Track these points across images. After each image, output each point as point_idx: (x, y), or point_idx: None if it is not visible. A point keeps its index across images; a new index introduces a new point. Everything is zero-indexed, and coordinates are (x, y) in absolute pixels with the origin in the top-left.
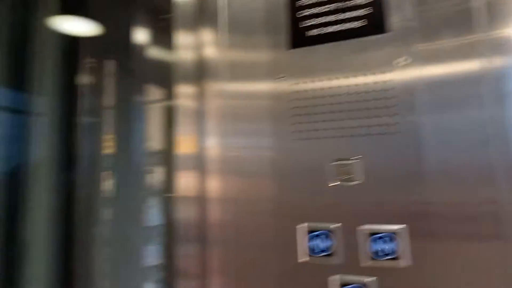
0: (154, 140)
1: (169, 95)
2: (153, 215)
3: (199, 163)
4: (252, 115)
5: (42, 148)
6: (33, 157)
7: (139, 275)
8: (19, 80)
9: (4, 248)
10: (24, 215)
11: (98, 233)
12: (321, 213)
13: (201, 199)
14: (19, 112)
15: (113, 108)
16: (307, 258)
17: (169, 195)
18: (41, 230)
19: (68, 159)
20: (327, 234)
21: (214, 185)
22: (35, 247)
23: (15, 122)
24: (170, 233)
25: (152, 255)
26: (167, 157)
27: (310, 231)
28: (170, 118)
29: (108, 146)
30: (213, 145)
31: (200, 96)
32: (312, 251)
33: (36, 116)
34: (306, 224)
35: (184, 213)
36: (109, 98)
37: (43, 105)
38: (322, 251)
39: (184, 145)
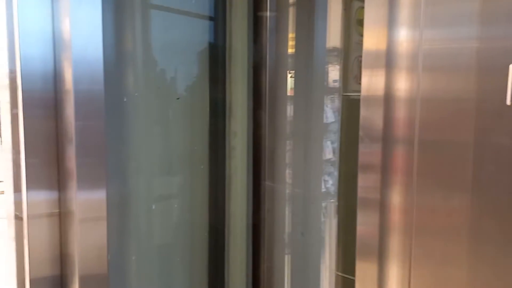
0: (336, 36)
1: None
2: (333, 113)
3: (388, 59)
4: None
5: (236, 46)
6: (229, 55)
7: (319, 167)
8: None
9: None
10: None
11: (283, 127)
12: None
13: (387, 98)
14: (212, 18)
15: (295, 5)
16: None
17: (350, 93)
18: (240, 123)
19: (256, 56)
20: None
21: (403, 82)
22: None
23: (211, 26)
24: (348, 130)
25: (331, 151)
26: (350, 54)
27: None
28: (355, 10)
29: (291, 44)
30: (404, 37)
31: None
32: None
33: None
34: None
35: (367, 112)
36: None
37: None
38: None
39: (371, 39)
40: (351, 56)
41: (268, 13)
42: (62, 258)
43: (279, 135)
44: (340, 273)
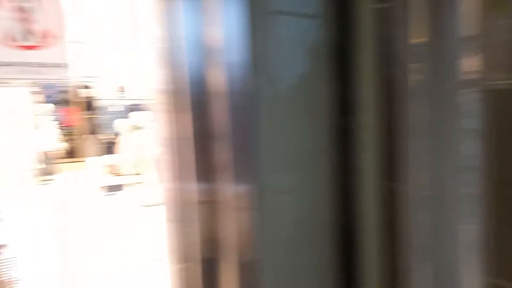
0: (472, 20)
1: None
2: (471, 107)
3: None
4: None
5: (359, 41)
6: (353, 51)
7: (456, 168)
8: None
9: None
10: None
11: (409, 124)
12: None
13: None
14: (331, 16)
15: None
16: None
17: (495, 82)
18: (367, 119)
19: (381, 49)
20: None
21: None
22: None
23: (331, 24)
24: (492, 125)
25: (470, 149)
26: (491, 40)
27: None
28: None
29: (420, 34)
30: None
31: None
32: None
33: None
34: None
35: None
36: None
37: None
38: None
39: None
40: (492, 41)
41: (390, 4)
42: (213, 242)
43: (410, 133)
44: (496, 280)
